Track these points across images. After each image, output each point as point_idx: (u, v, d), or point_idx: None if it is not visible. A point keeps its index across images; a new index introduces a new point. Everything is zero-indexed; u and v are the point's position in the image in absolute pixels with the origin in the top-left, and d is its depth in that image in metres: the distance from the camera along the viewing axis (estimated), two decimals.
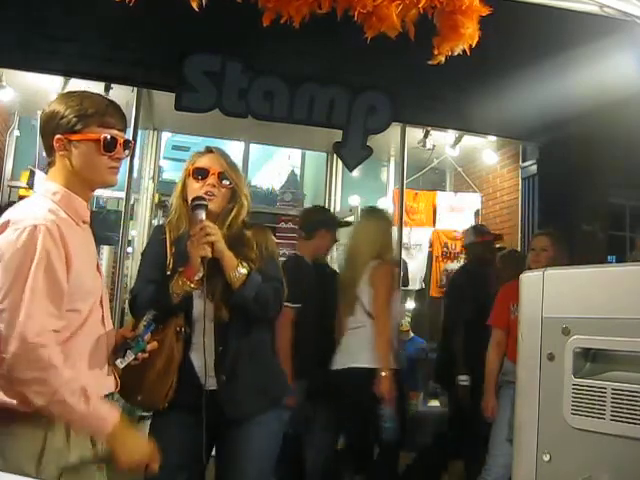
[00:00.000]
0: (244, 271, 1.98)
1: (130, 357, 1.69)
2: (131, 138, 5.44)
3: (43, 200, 1.58)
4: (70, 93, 1.67)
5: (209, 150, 2.13)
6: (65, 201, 1.59)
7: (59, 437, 1.51)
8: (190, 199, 2.05)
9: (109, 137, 1.60)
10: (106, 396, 1.67)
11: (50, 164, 1.65)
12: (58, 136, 1.59)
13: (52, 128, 1.60)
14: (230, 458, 2.03)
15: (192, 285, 1.95)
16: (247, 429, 2.01)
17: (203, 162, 2.08)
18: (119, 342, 1.74)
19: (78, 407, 1.46)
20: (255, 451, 2.02)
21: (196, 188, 2.05)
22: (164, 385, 1.93)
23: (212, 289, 2.01)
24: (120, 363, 1.69)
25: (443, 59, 2.74)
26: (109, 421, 1.52)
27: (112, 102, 1.68)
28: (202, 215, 1.96)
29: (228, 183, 2.06)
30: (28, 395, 1.42)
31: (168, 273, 2.00)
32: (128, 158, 5.28)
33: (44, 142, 1.64)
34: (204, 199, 2.00)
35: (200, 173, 2.06)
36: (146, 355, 1.74)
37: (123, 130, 1.67)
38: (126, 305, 6.06)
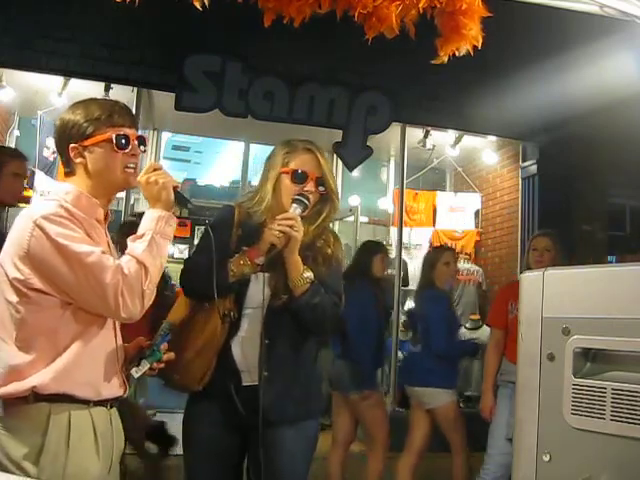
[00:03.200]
0: (309, 278, 1.92)
1: (145, 366, 1.67)
2: None
3: (56, 197, 1.62)
4: (76, 103, 1.68)
5: (308, 149, 2.03)
6: (75, 199, 1.61)
7: (63, 417, 1.52)
8: (284, 196, 2.00)
9: (120, 134, 1.62)
10: (115, 399, 1.67)
11: (68, 174, 1.67)
12: (72, 145, 1.61)
13: (66, 139, 1.63)
14: (266, 463, 1.96)
15: (250, 266, 1.89)
16: (282, 434, 1.95)
17: (303, 164, 2.00)
18: (134, 351, 1.73)
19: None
20: (288, 459, 1.96)
21: (291, 190, 1.99)
22: (202, 365, 1.88)
23: (272, 281, 1.96)
24: (135, 372, 1.67)
25: (446, 59, 2.74)
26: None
27: (118, 102, 1.70)
28: (297, 210, 1.92)
29: (323, 189, 2.00)
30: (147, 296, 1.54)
31: (229, 254, 1.95)
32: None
33: (61, 155, 1.67)
34: (307, 198, 1.95)
35: (300, 178, 1.99)
36: (162, 365, 1.72)
37: (133, 128, 1.68)
38: None
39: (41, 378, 1.49)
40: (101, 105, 1.65)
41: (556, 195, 5.47)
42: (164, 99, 5.14)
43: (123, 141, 1.62)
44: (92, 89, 5.16)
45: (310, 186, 1.98)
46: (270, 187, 2.01)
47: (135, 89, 5.13)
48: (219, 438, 1.95)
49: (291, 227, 1.87)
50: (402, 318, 6.28)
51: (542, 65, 4.79)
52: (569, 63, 4.56)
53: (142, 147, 1.69)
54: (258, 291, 1.95)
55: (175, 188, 1.65)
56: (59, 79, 5.08)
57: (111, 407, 1.66)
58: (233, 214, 2.05)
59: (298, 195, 1.95)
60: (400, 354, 5.92)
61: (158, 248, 1.58)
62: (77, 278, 1.49)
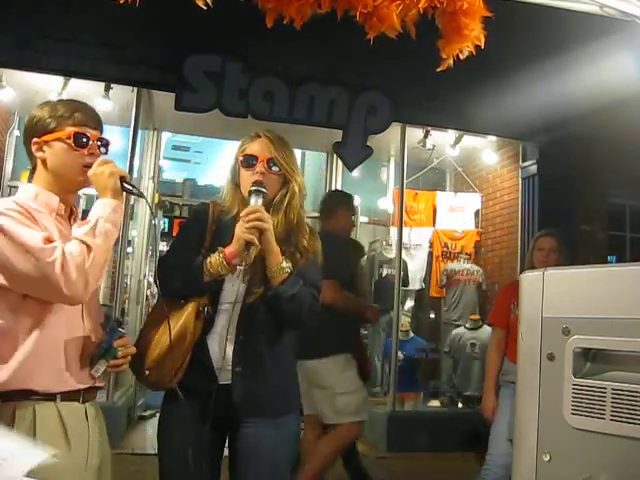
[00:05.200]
0: (288, 268, 1.90)
1: (102, 365, 1.68)
2: (131, 138, 5.44)
3: (15, 197, 1.67)
4: (45, 102, 1.76)
5: (257, 135, 2.05)
6: (34, 195, 1.67)
7: (28, 412, 1.54)
8: (242, 186, 2.01)
9: (80, 132, 1.67)
10: (87, 392, 1.68)
11: (32, 170, 1.73)
12: (35, 139, 1.68)
13: (30, 133, 1.69)
14: (246, 460, 1.95)
15: (227, 267, 1.87)
16: (262, 430, 1.93)
17: (252, 149, 2.02)
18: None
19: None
20: (269, 455, 1.94)
21: (246, 176, 1.99)
22: (174, 361, 1.83)
23: (248, 275, 1.94)
24: (95, 372, 1.68)
25: (451, 62, 2.73)
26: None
27: (85, 104, 1.76)
28: (258, 201, 1.90)
29: (277, 170, 1.99)
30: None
31: (203, 252, 1.94)
32: (128, 159, 5.27)
33: (26, 149, 1.73)
34: (263, 186, 1.94)
35: (249, 161, 1.99)
36: (120, 362, 1.72)
37: (97, 129, 1.73)
38: (126, 305, 6.07)
39: None
40: (67, 104, 1.72)
41: (556, 195, 5.47)
42: (164, 99, 5.14)
43: (83, 140, 1.68)
44: (92, 89, 5.16)
45: (260, 167, 1.97)
46: (231, 179, 2.04)
47: (135, 89, 5.13)
48: (198, 437, 1.91)
49: (258, 219, 1.85)
50: (402, 318, 6.29)
51: (542, 65, 4.79)
52: (569, 63, 4.56)
53: (103, 149, 1.74)
54: (234, 286, 1.93)
55: (123, 178, 1.69)
56: (59, 79, 5.08)
57: (85, 401, 1.67)
58: (207, 211, 2.04)
59: (253, 186, 1.93)
60: (400, 354, 5.93)
61: (102, 231, 1.61)
62: (23, 262, 1.51)
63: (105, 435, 1.76)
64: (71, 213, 1.77)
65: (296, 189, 2.03)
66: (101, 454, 1.69)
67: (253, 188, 1.92)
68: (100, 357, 1.68)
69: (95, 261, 1.57)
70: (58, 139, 1.67)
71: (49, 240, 1.55)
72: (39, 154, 1.68)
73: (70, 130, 1.66)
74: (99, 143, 1.72)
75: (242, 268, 1.93)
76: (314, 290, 1.98)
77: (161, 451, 1.99)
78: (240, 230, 1.85)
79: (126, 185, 1.71)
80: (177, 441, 1.93)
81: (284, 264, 1.90)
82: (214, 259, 1.87)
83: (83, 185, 1.75)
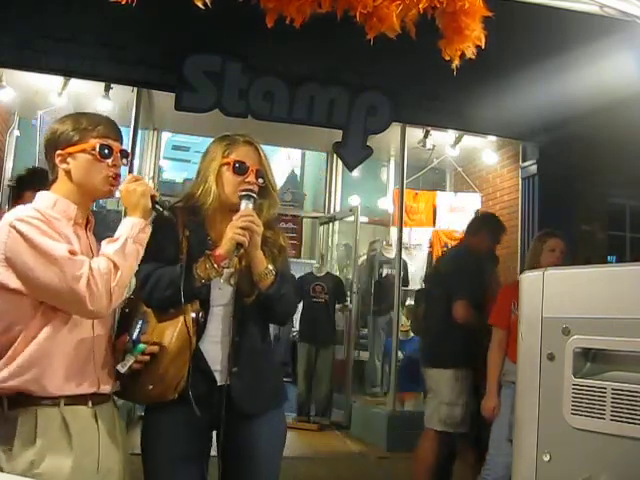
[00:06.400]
0: (274, 270, 1.94)
1: (130, 360, 1.70)
2: (131, 138, 5.44)
3: (34, 204, 1.69)
4: (67, 115, 1.80)
5: (248, 142, 2.06)
6: (53, 203, 1.70)
7: (30, 416, 1.56)
8: (227, 189, 2.00)
9: (104, 144, 1.72)
10: (101, 395, 1.69)
11: (53, 181, 1.75)
12: (58, 151, 1.71)
13: (53, 146, 1.72)
14: (238, 456, 1.98)
15: (217, 270, 1.87)
16: (257, 427, 1.97)
17: (242, 155, 2.01)
18: (122, 346, 1.76)
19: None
20: (265, 450, 1.98)
21: (233, 180, 1.99)
22: (177, 373, 1.83)
23: (235, 278, 1.97)
24: (121, 367, 1.70)
25: (458, 62, 2.73)
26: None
27: (106, 117, 1.82)
28: (249, 206, 1.93)
29: (262, 182, 2.01)
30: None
31: (181, 256, 1.92)
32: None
33: (48, 162, 1.76)
34: (255, 192, 1.96)
35: (241, 168, 1.99)
36: (147, 358, 1.73)
37: (118, 141, 1.78)
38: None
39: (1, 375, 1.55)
40: (89, 117, 1.77)
41: (556, 195, 5.47)
42: (164, 99, 5.15)
43: (106, 151, 1.72)
44: (92, 89, 5.17)
45: (251, 177, 1.99)
46: (213, 179, 2.01)
47: (135, 89, 5.14)
48: (192, 441, 1.92)
49: (252, 222, 1.88)
50: (402, 319, 6.29)
51: (542, 65, 4.79)
52: (569, 63, 4.56)
53: (124, 160, 1.79)
54: (222, 289, 1.95)
55: (153, 197, 1.75)
56: (59, 79, 5.09)
57: (94, 405, 1.67)
58: (176, 215, 2.00)
59: (245, 191, 1.95)
60: (400, 354, 5.93)
61: (130, 251, 1.66)
62: (46, 272, 1.54)
63: (123, 436, 1.77)
64: (87, 222, 1.80)
65: (277, 202, 2.10)
66: (119, 456, 1.71)
67: (244, 193, 1.94)
68: (128, 352, 1.71)
69: (121, 281, 1.62)
70: (83, 151, 1.70)
71: (73, 253, 1.57)
72: (63, 166, 1.71)
73: (94, 142, 1.71)
74: (120, 154, 1.77)
75: (228, 270, 1.95)
76: (292, 285, 2.06)
77: (151, 455, 1.97)
78: (232, 231, 1.87)
79: (157, 205, 1.76)
80: (172, 449, 1.92)
81: (269, 267, 1.94)
82: (202, 263, 1.88)
83: (107, 195, 1.80)
